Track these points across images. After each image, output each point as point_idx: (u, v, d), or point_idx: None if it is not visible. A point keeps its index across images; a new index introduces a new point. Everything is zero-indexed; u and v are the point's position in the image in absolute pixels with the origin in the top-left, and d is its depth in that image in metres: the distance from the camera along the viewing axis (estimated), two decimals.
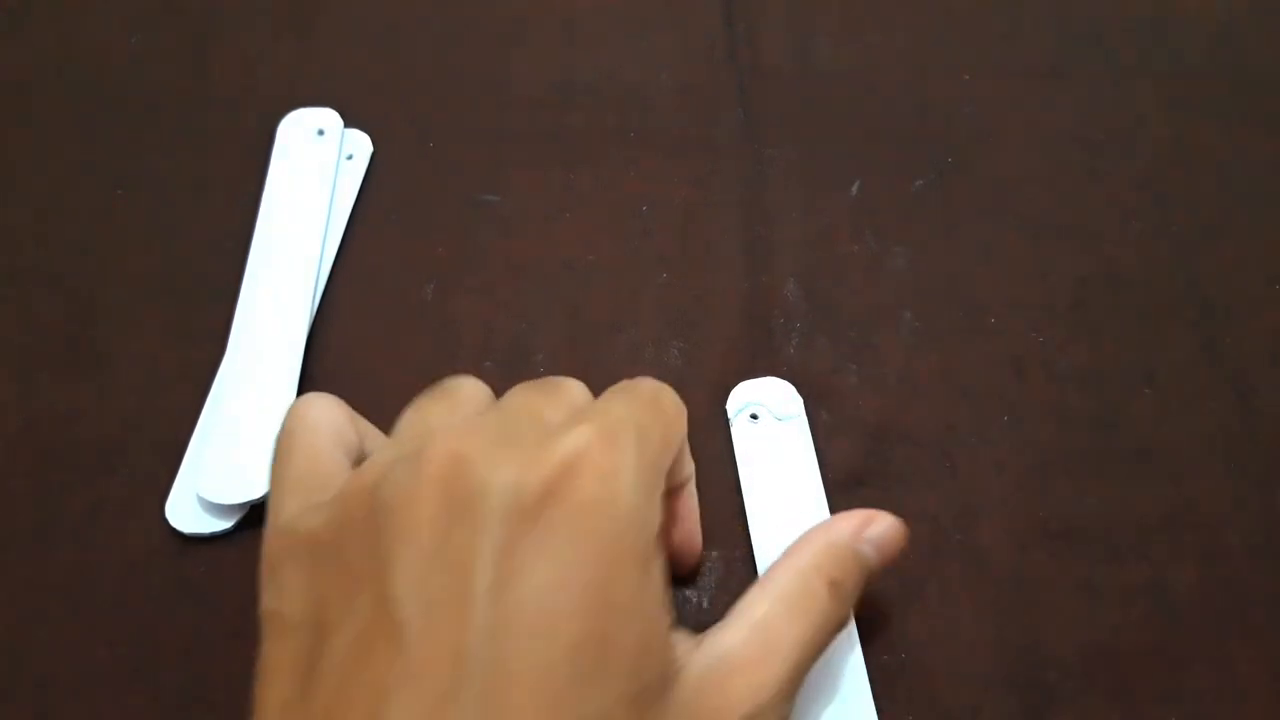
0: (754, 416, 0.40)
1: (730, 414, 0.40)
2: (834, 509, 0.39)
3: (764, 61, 0.51)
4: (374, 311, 0.44)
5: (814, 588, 0.30)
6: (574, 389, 0.31)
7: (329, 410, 0.32)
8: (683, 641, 0.29)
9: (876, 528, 0.34)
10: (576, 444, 0.26)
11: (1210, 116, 0.49)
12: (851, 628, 0.35)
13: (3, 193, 0.48)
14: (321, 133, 0.48)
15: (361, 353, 0.43)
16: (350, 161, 0.48)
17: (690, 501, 0.36)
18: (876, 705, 0.35)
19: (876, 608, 0.37)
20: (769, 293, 0.44)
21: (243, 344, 0.42)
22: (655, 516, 0.27)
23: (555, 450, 0.26)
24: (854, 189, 0.47)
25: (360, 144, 0.49)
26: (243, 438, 0.40)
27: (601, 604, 0.24)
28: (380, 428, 0.34)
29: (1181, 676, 0.36)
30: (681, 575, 0.37)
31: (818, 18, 0.53)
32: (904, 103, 0.50)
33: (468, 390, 0.32)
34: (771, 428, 0.40)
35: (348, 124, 0.49)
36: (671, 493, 0.34)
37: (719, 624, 0.29)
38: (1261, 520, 0.39)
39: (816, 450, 0.40)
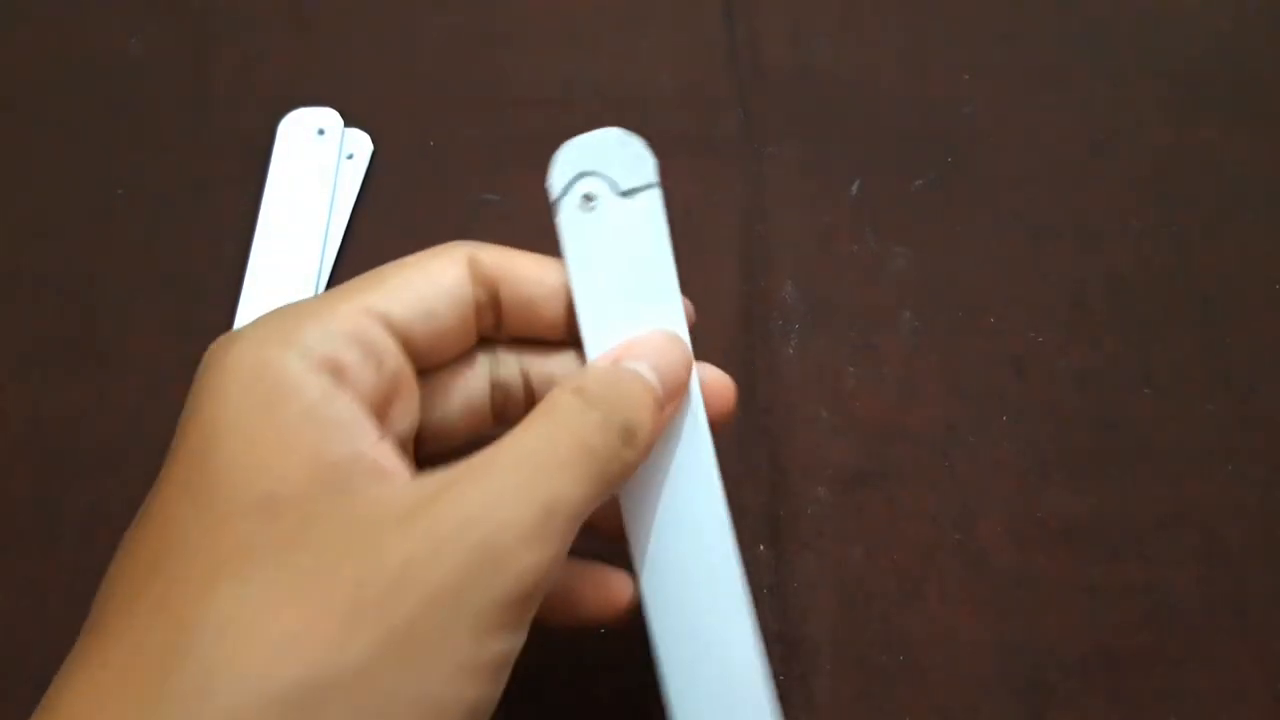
0: (588, 198, 0.30)
1: (554, 192, 0.30)
2: (834, 508, 0.39)
3: (764, 62, 0.51)
4: None
5: (557, 398, 0.26)
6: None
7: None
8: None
9: (639, 347, 0.29)
10: None
11: (1210, 116, 0.49)
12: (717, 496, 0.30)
13: (3, 193, 0.48)
14: (322, 132, 0.48)
15: None
16: (350, 161, 0.48)
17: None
18: (878, 706, 0.35)
19: (875, 608, 0.37)
20: (768, 292, 0.44)
21: None
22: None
23: None
24: (854, 189, 0.47)
25: (361, 143, 0.49)
26: None
27: None
28: None
29: (1180, 676, 0.36)
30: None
31: (818, 18, 0.53)
32: (904, 103, 0.50)
33: None
34: (613, 210, 0.30)
35: (348, 123, 0.49)
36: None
37: None
38: (1261, 520, 0.39)
39: (817, 450, 0.40)
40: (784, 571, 0.38)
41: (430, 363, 0.29)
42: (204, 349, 0.42)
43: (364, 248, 0.46)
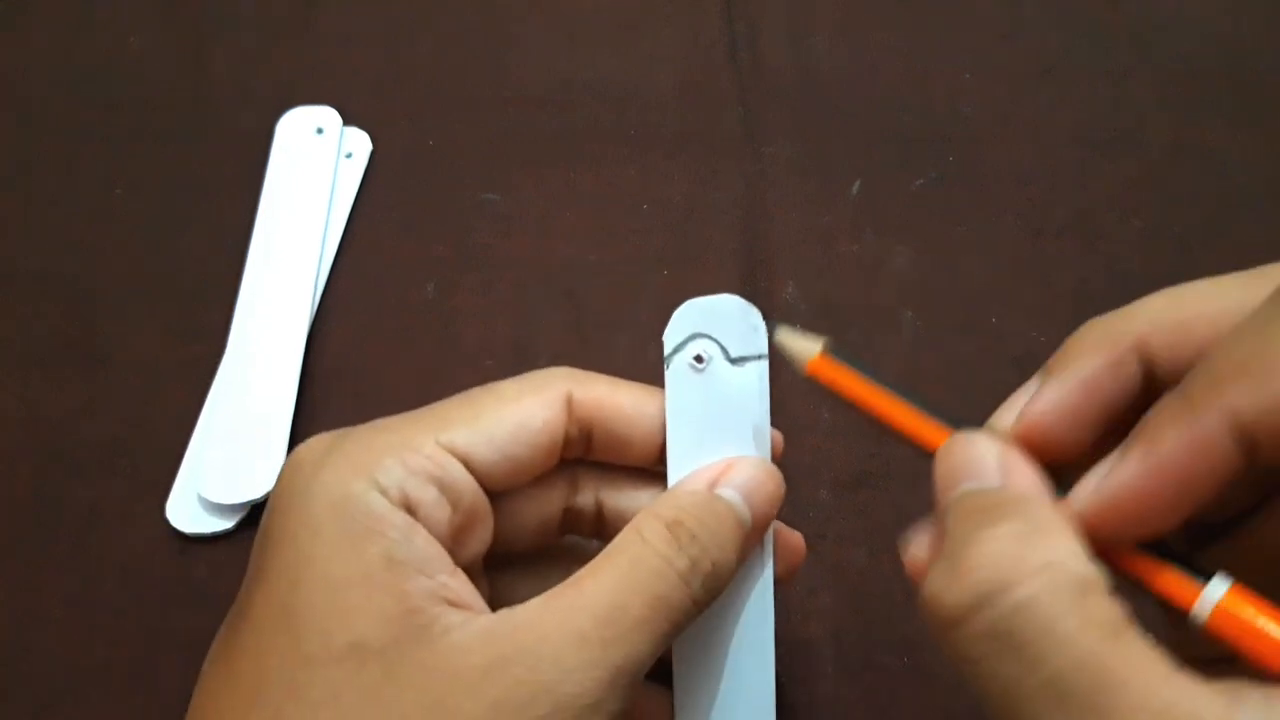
0: (699, 359, 0.30)
1: (668, 347, 0.30)
2: (836, 510, 0.39)
3: (764, 61, 0.51)
4: (374, 310, 0.44)
5: (644, 529, 0.27)
6: None
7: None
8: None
9: (737, 474, 0.29)
10: None
11: (1210, 115, 0.49)
12: (767, 615, 0.30)
13: (2, 192, 0.47)
14: (321, 131, 0.48)
15: (361, 352, 0.43)
16: (349, 160, 0.48)
17: None
18: (881, 708, 0.35)
19: (878, 610, 0.37)
20: (769, 293, 0.44)
21: (243, 343, 0.42)
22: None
23: None
24: (854, 188, 0.47)
25: (359, 142, 0.48)
26: (243, 437, 0.40)
27: None
28: None
29: None
30: None
31: (818, 17, 0.53)
32: (904, 102, 0.50)
33: None
34: (721, 372, 0.30)
35: (347, 122, 0.49)
36: None
37: None
38: None
39: (818, 452, 0.40)
40: None
41: (508, 489, 0.29)
42: (203, 349, 0.42)
43: (362, 247, 0.46)
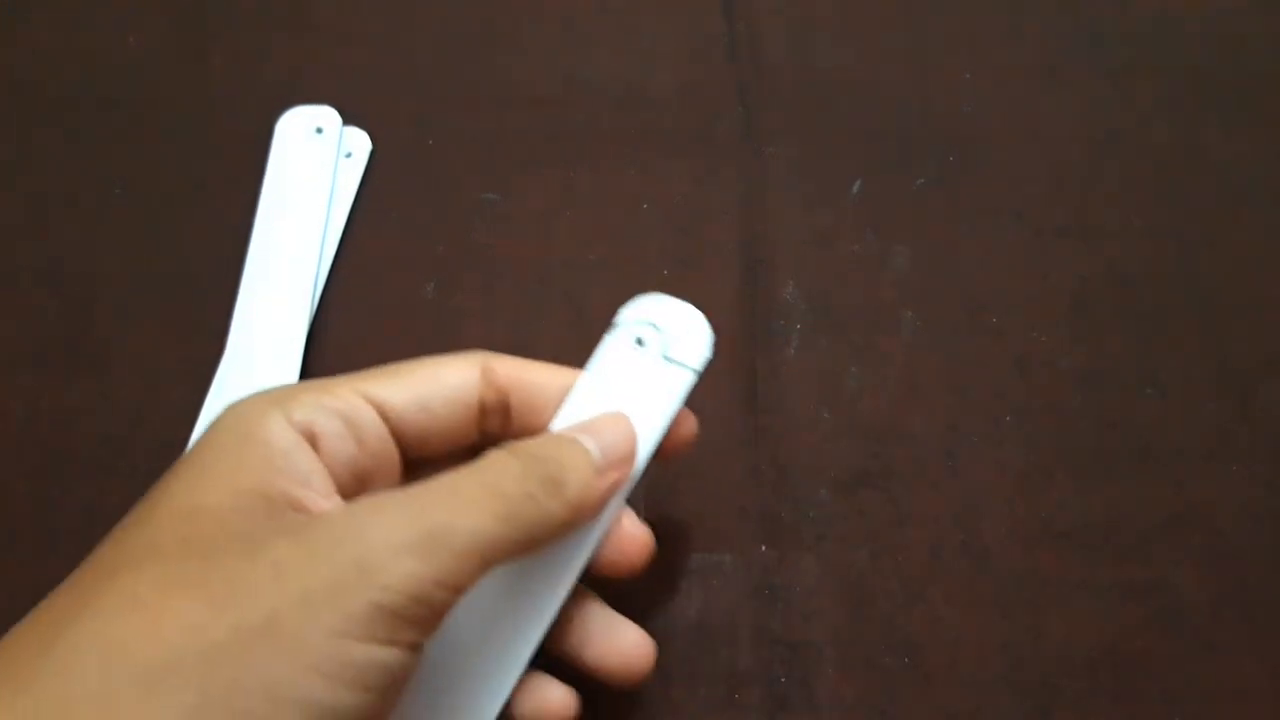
0: (640, 341, 0.33)
1: (619, 319, 0.34)
2: (836, 510, 0.39)
3: (764, 61, 0.51)
4: (374, 309, 0.44)
5: (487, 453, 0.28)
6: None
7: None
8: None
9: (590, 423, 0.31)
10: None
11: (1212, 115, 0.49)
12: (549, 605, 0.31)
13: (2, 191, 0.47)
14: (320, 131, 0.48)
15: (361, 351, 0.43)
16: (349, 160, 0.48)
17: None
18: (882, 708, 0.35)
19: (878, 609, 0.37)
20: (769, 293, 0.44)
21: (242, 342, 0.42)
22: None
23: None
24: (855, 188, 0.47)
25: (359, 142, 0.48)
26: None
27: None
28: None
29: (1184, 676, 0.36)
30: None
31: (818, 17, 0.53)
32: (905, 102, 0.50)
33: None
34: (653, 364, 0.33)
35: (346, 122, 0.49)
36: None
37: None
38: (1265, 520, 0.39)
39: (819, 451, 0.40)
40: (786, 573, 0.38)
41: (426, 452, 0.31)
42: (203, 348, 0.42)
43: (362, 247, 0.46)
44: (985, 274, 0.45)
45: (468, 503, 0.26)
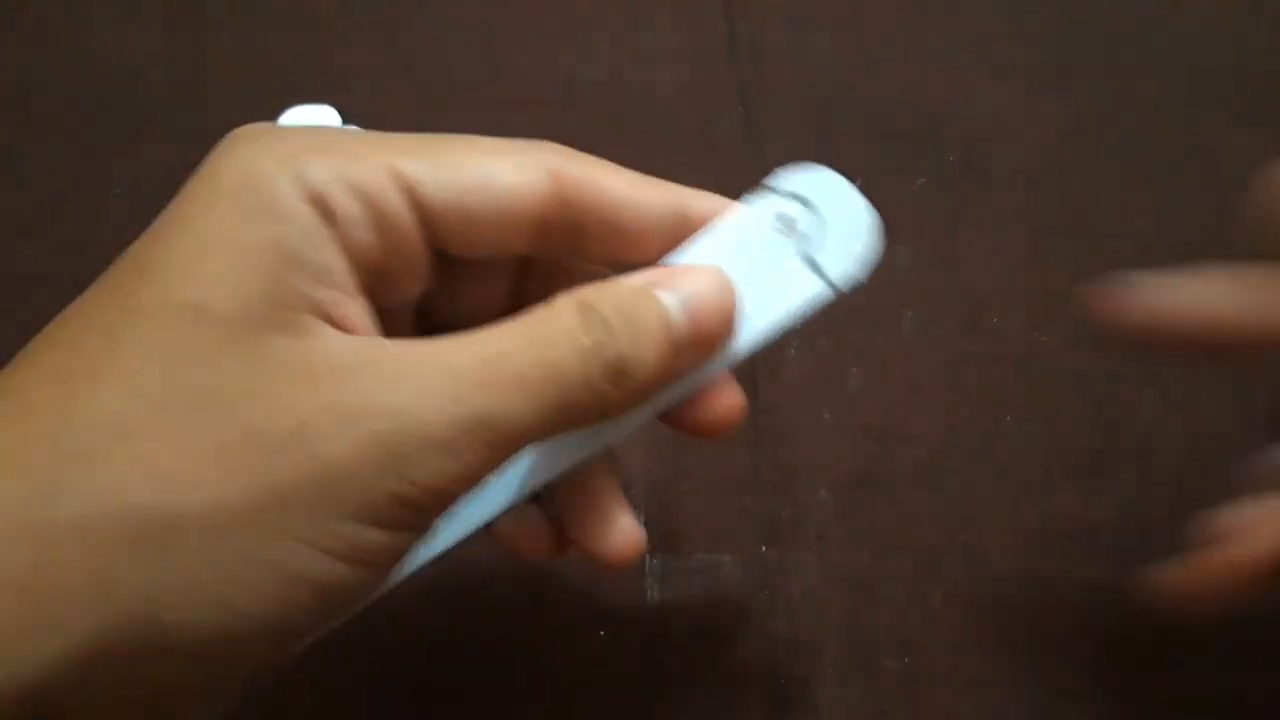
0: (785, 221, 0.27)
1: (772, 182, 0.28)
2: (837, 511, 0.39)
3: (765, 61, 0.51)
4: None
5: (558, 308, 0.24)
6: None
7: None
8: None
9: (684, 279, 0.26)
10: None
11: (1213, 116, 0.49)
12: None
13: (1, 192, 0.47)
14: None
15: None
16: None
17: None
18: (883, 709, 0.34)
19: (879, 610, 0.37)
20: None
21: None
22: None
23: None
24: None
25: None
26: None
27: None
28: None
29: (1187, 676, 0.36)
30: None
31: (818, 17, 0.53)
32: (905, 101, 0.50)
33: None
34: (786, 260, 0.27)
35: (346, 122, 0.49)
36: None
37: None
38: None
39: (819, 452, 0.40)
40: (787, 574, 0.38)
41: (463, 252, 0.26)
42: None
43: None
44: (985, 274, 0.45)
45: (521, 385, 0.23)
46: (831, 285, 0.27)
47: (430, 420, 0.22)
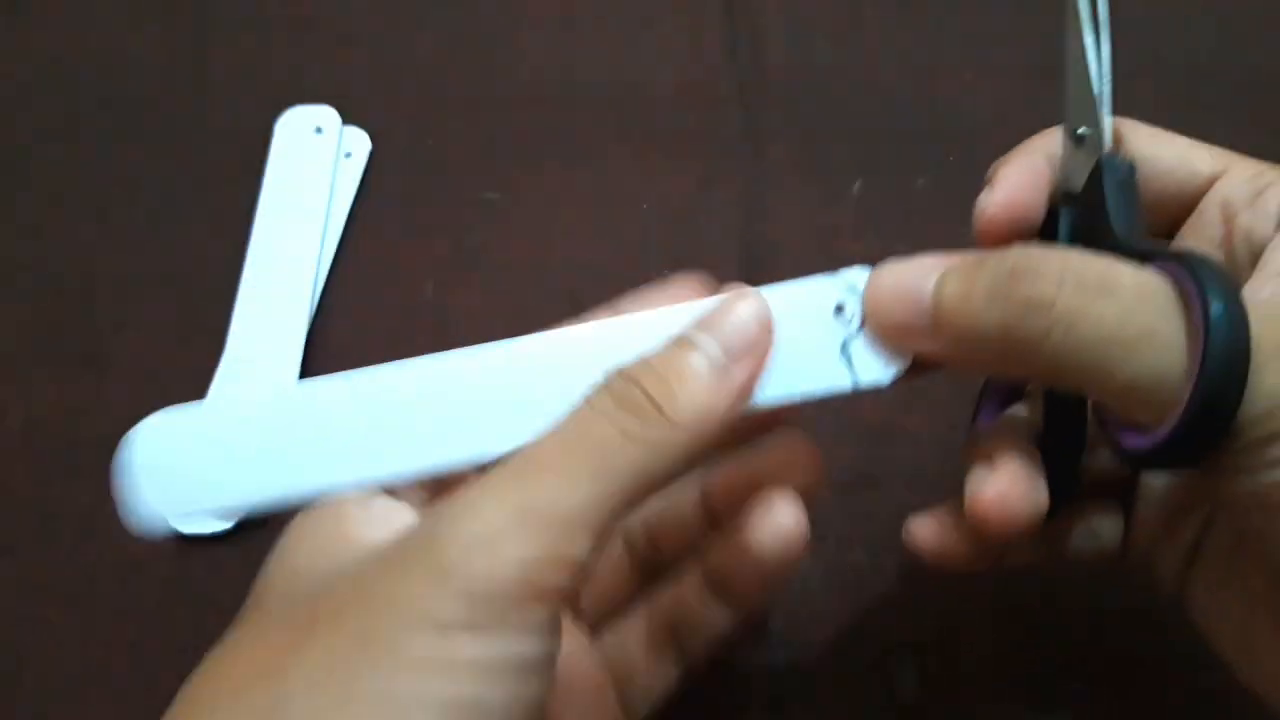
0: (840, 310, 0.29)
1: (837, 281, 0.29)
2: (836, 510, 0.39)
3: (765, 60, 0.51)
4: (373, 310, 0.44)
5: (586, 395, 0.25)
6: None
7: None
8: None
9: (719, 317, 0.27)
10: None
11: (1212, 116, 0.49)
12: None
13: (2, 192, 0.47)
14: (320, 130, 0.48)
15: (361, 351, 0.43)
16: (349, 159, 0.48)
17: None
18: (880, 708, 0.34)
19: (878, 611, 0.37)
20: None
21: (242, 342, 0.42)
22: None
23: None
24: (856, 188, 0.47)
25: (359, 141, 0.48)
26: None
27: None
28: None
29: (1188, 675, 0.36)
30: None
31: (819, 16, 0.53)
32: (906, 101, 0.50)
33: None
34: (827, 343, 0.28)
35: (346, 121, 0.49)
36: None
37: None
38: None
39: (819, 450, 0.40)
40: None
41: None
42: (203, 349, 0.42)
43: (361, 246, 0.46)
44: None
45: (555, 465, 0.24)
46: (856, 384, 0.28)
47: (476, 531, 0.23)
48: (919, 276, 0.27)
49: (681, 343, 0.26)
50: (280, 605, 0.25)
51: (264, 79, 0.50)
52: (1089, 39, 0.32)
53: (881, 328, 0.27)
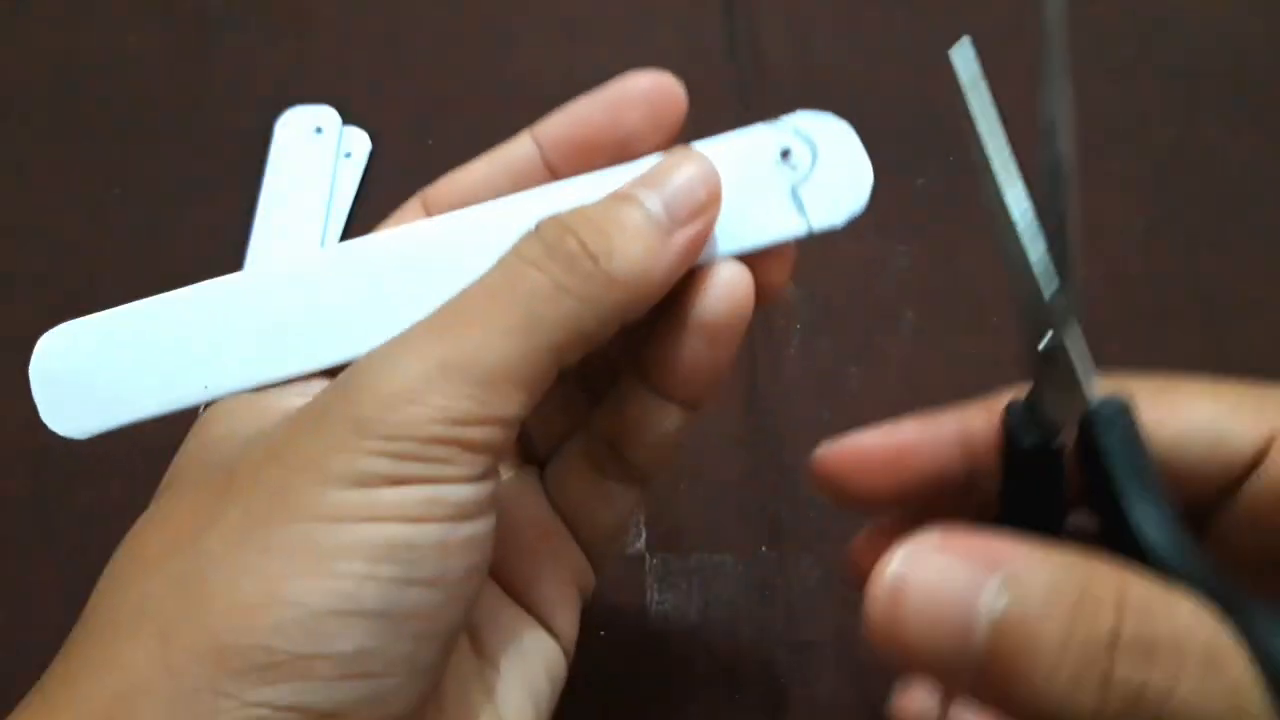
0: (785, 155, 0.27)
1: (779, 119, 0.28)
2: (835, 509, 0.39)
3: (764, 59, 0.51)
4: None
5: (516, 251, 0.24)
6: None
7: None
8: None
9: (662, 173, 0.25)
10: None
11: (1213, 114, 0.49)
12: None
13: (1, 192, 0.47)
14: (320, 131, 0.48)
15: None
16: (349, 159, 0.48)
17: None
18: (880, 709, 0.34)
19: None
20: None
21: None
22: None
23: None
24: None
25: (359, 141, 0.48)
26: None
27: None
28: None
29: None
30: None
31: (818, 15, 0.53)
32: (905, 100, 0.50)
33: None
34: (777, 190, 0.27)
35: (346, 122, 0.49)
36: None
37: None
38: None
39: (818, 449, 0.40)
40: (787, 573, 0.38)
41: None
42: None
43: None
44: (985, 274, 0.45)
45: (477, 321, 0.22)
46: (810, 229, 0.27)
47: (394, 385, 0.22)
48: (966, 586, 0.18)
49: (621, 196, 0.24)
50: (197, 475, 0.24)
51: (264, 79, 0.50)
52: (1032, 246, 0.23)
53: (896, 645, 0.19)
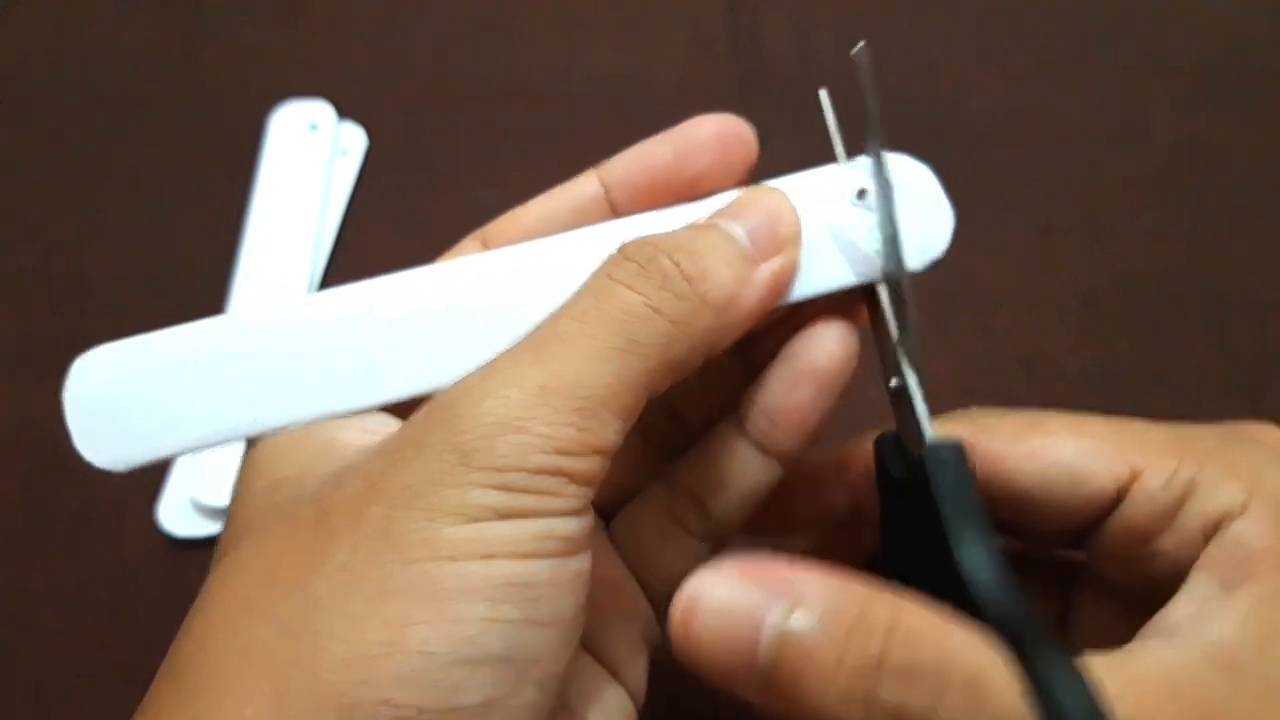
0: (860, 194, 0.27)
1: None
2: None
3: (766, 55, 0.51)
4: None
5: (604, 265, 0.23)
6: None
7: None
8: None
9: (743, 209, 0.25)
10: None
11: (1221, 113, 0.49)
12: None
13: (0, 192, 0.47)
14: (315, 126, 0.47)
15: None
16: (344, 156, 0.47)
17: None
18: None
19: None
20: None
21: None
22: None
23: None
24: None
25: (354, 137, 0.48)
26: None
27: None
28: None
29: None
30: None
31: (820, 11, 0.52)
32: (909, 98, 0.49)
33: None
34: (849, 233, 0.26)
35: (341, 117, 0.48)
36: None
37: None
38: None
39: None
40: None
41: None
42: None
43: (358, 244, 0.45)
44: (990, 273, 0.44)
45: (574, 343, 0.22)
46: (877, 273, 0.26)
47: (493, 415, 0.21)
48: (753, 607, 0.21)
49: (705, 225, 0.24)
50: (277, 516, 0.23)
51: (258, 74, 0.50)
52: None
53: (690, 660, 0.22)
